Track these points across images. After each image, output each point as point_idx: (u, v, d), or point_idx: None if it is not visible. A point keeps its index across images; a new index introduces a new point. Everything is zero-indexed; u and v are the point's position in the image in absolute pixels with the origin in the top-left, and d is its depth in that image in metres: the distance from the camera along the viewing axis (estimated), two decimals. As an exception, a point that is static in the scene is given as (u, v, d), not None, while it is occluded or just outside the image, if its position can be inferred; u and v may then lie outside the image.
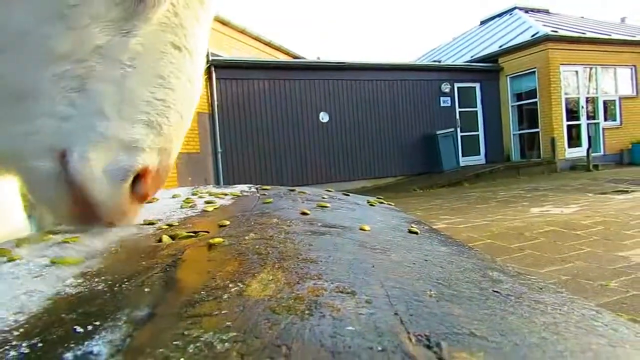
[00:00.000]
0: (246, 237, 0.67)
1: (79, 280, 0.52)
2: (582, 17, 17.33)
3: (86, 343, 0.32)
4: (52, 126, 0.61)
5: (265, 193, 1.32)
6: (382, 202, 1.37)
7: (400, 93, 12.42)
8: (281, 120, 11.04)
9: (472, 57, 14.66)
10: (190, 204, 1.11)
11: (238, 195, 1.26)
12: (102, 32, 0.60)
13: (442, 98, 12.90)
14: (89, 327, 0.35)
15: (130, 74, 0.63)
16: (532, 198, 7.77)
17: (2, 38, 0.58)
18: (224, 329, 0.31)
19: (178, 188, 1.39)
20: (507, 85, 13.58)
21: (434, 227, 1.07)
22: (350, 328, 0.31)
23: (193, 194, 1.28)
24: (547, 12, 16.63)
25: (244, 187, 1.44)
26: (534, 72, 12.86)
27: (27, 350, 0.32)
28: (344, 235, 0.72)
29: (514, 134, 13.69)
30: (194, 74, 0.70)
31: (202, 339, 0.29)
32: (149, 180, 0.68)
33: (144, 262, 0.58)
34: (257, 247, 0.60)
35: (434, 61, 15.81)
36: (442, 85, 12.84)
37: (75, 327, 0.35)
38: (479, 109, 13.55)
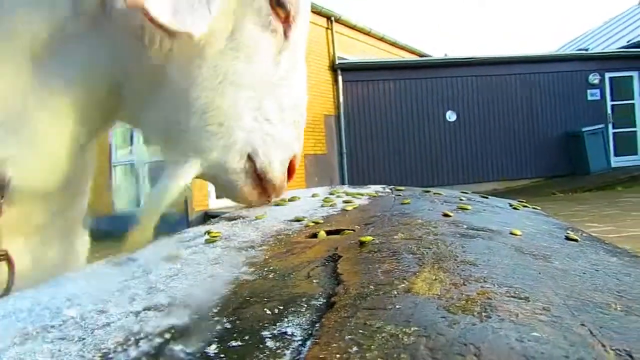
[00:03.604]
0: (395, 237, 0.68)
1: (251, 269, 0.58)
2: None
3: (278, 324, 0.36)
4: (242, 137, 0.86)
5: (400, 194, 1.32)
6: (526, 206, 1.28)
7: (537, 88, 11.36)
8: (406, 121, 10.89)
9: (628, 42, 12.77)
10: (330, 203, 1.16)
11: (374, 196, 1.28)
12: (270, 65, 0.85)
13: (589, 91, 11.46)
14: (275, 311, 0.39)
15: (284, 91, 0.89)
16: None
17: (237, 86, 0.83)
18: (403, 322, 0.32)
19: (316, 188, 1.46)
20: (677, 72, 11.54)
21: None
22: (535, 334, 0.30)
23: (331, 194, 1.33)
24: None
25: (378, 187, 1.46)
26: None
27: (229, 326, 0.38)
28: (495, 239, 0.69)
29: (685, 130, 11.60)
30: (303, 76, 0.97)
31: (385, 330, 0.31)
32: (294, 162, 0.98)
33: (302, 255, 0.63)
34: (409, 246, 0.61)
35: (580, 50, 14.14)
36: (590, 77, 11.40)
37: (264, 309, 0.40)
38: (636, 101, 11.74)
